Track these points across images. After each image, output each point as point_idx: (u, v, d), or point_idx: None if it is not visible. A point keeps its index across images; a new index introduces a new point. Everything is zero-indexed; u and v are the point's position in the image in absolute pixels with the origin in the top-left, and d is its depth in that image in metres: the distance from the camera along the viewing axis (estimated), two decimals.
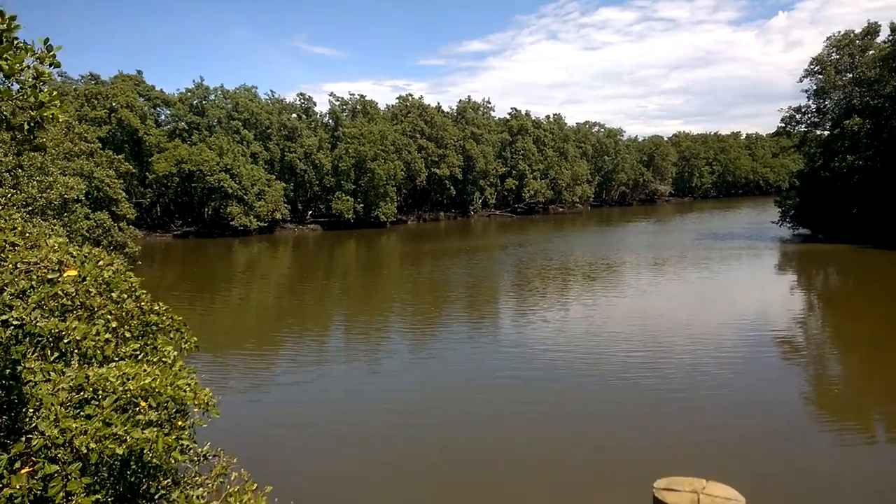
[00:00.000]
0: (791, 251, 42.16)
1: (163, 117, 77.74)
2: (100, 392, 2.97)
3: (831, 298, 27.90)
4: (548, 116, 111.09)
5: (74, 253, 4.40)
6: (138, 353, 3.73)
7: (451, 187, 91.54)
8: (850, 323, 21.66)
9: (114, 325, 3.72)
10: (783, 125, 53.90)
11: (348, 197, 76.59)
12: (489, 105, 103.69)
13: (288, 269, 43.06)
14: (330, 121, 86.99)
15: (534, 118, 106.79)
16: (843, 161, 45.55)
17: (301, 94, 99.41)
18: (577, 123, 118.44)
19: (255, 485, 3.87)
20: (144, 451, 2.90)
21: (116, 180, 32.50)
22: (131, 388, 3.03)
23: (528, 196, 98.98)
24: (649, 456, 10.94)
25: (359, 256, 52.21)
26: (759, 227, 56.41)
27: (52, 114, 2.77)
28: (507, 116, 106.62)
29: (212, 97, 78.16)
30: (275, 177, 75.21)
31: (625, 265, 36.39)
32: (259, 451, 11.73)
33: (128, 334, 3.87)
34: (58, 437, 2.58)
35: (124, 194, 33.83)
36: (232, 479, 4.23)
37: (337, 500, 10.05)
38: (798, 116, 52.52)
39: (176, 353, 4.08)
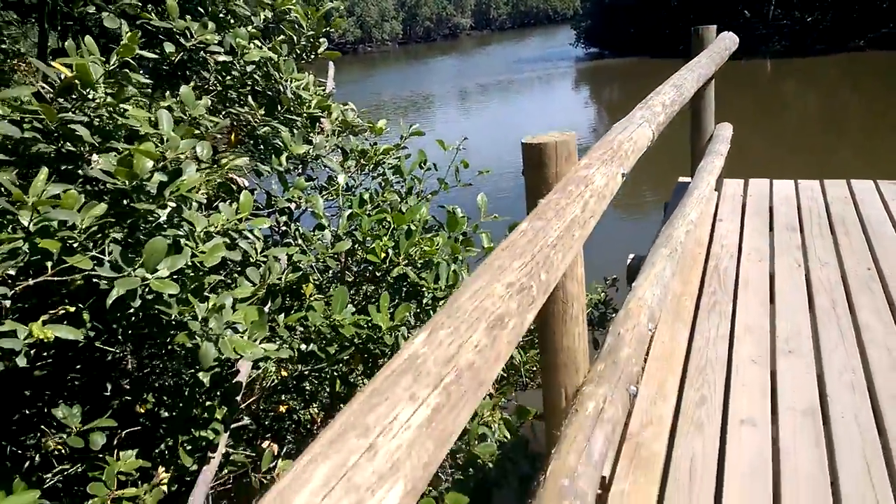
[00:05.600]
0: (584, 68, 47.47)
1: None
2: None
3: (617, 105, 33.06)
4: None
5: None
6: None
7: None
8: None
9: None
10: None
11: None
12: None
13: None
14: None
15: None
16: None
17: None
18: None
19: None
20: None
21: None
22: None
23: (336, 36, 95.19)
24: None
25: None
26: (555, 51, 61.27)
27: None
28: None
29: None
30: None
31: (434, 97, 38.21)
32: None
33: None
34: None
35: None
36: None
37: None
38: None
39: None
